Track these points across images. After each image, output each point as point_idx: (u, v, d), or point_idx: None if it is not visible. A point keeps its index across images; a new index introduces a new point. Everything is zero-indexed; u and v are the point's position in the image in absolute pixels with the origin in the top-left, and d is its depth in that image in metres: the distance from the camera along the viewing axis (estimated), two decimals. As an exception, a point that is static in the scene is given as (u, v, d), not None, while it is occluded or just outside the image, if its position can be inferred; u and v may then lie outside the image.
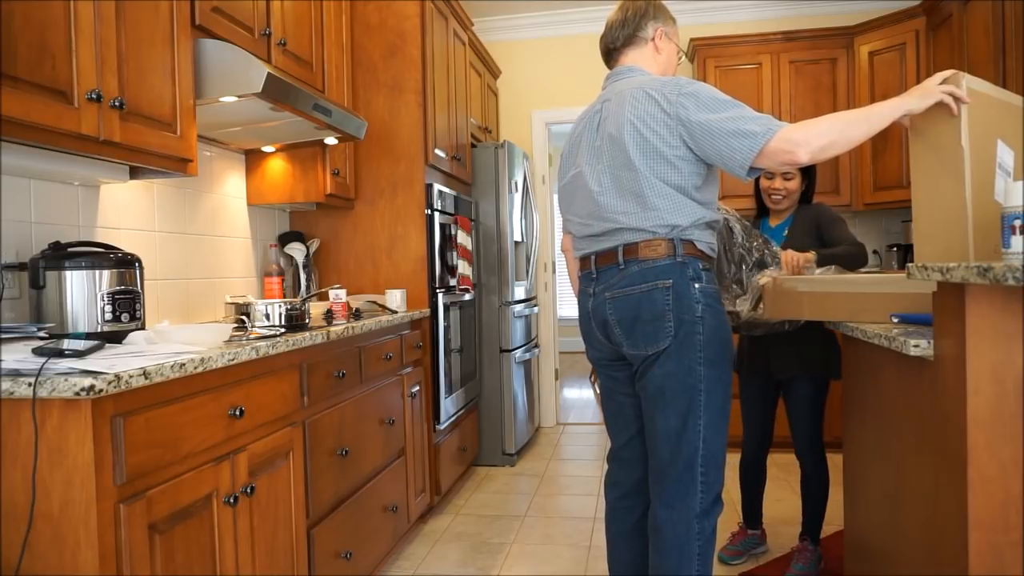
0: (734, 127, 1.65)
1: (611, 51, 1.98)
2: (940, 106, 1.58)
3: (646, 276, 1.76)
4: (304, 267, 3.11)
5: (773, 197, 2.57)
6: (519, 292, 4.34)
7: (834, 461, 3.78)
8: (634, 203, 1.77)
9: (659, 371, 1.76)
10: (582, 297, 1.94)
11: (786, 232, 2.57)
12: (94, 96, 1.62)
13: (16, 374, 1.25)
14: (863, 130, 1.64)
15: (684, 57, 2.01)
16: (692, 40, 4.55)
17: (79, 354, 1.39)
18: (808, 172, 2.59)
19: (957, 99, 1.55)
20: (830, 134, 1.62)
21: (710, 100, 1.70)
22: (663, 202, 1.75)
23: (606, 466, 2.08)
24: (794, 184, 2.55)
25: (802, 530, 2.60)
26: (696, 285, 1.75)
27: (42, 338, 1.56)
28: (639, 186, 1.76)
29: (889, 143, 4.20)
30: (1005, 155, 1.62)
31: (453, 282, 3.54)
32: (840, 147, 1.64)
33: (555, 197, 5.89)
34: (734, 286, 2.27)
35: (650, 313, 1.76)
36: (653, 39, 1.93)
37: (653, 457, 1.82)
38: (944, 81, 1.59)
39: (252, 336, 1.98)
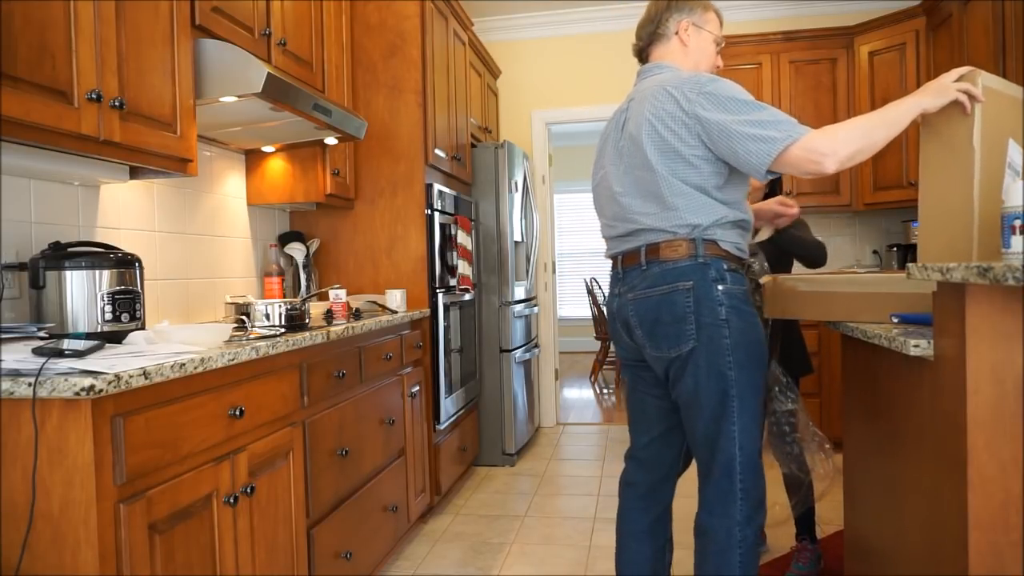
0: (751, 131, 1.61)
1: (640, 51, 1.96)
2: (954, 103, 1.55)
3: (666, 277, 1.74)
4: (304, 267, 3.11)
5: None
6: (519, 292, 4.34)
7: (834, 461, 3.78)
8: (655, 204, 1.75)
9: (690, 379, 1.74)
10: (609, 298, 1.93)
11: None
12: (94, 96, 1.62)
13: (16, 374, 1.25)
14: (884, 134, 1.60)
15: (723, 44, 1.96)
16: (692, 40, 4.55)
17: (79, 354, 1.39)
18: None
19: (972, 97, 1.52)
20: (856, 141, 1.58)
21: (729, 100, 1.66)
22: (683, 201, 1.72)
23: (623, 464, 2.05)
24: (756, 182, 2.54)
25: (797, 530, 2.60)
26: (719, 287, 1.71)
27: (42, 338, 1.56)
28: (658, 187, 1.73)
29: (889, 143, 4.19)
30: (1015, 154, 1.60)
31: (453, 282, 3.54)
32: (865, 155, 1.61)
33: (555, 197, 5.89)
34: None
35: (670, 315, 1.73)
36: (677, 33, 1.89)
37: (697, 462, 1.82)
38: (960, 78, 1.56)
39: (252, 336, 1.98)
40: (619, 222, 1.84)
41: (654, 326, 1.77)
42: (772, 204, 2.27)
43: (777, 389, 2.30)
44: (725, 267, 1.74)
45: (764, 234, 2.30)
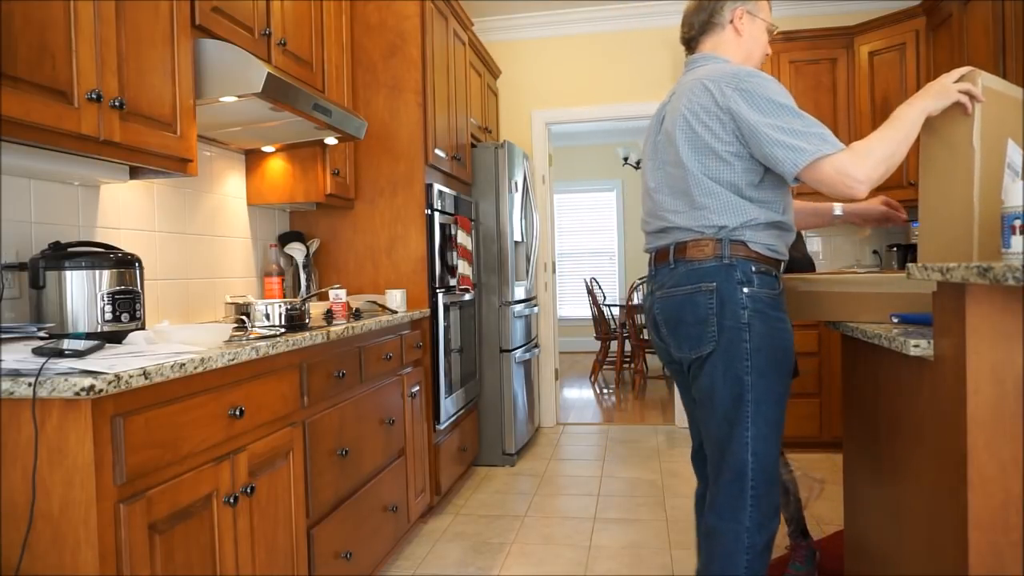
0: (780, 137, 1.59)
1: (689, 41, 1.90)
2: (955, 104, 1.55)
3: (690, 277, 1.72)
4: (304, 267, 3.11)
5: None
6: (519, 292, 4.34)
7: (834, 461, 3.77)
8: (683, 202, 1.74)
9: (706, 379, 1.72)
10: (644, 297, 1.93)
11: None
12: (94, 96, 1.62)
13: (16, 374, 1.25)
14: (905, 149, 1.60)
15: (776, 31, 1.88)
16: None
17: (79, 354, 1.39)
18: None
19: (972, 98, 1.53)
20: (885, 163, 1.57)
21: (765, 100, 1.62)
22: (711, 201, 1.69)
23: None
24: None
25: (789, 531, 2.60)
26: (744, 289, 1.67)
27: (42, 338, 1.56)
28: (687, 184, 1.72)
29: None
30: (1014, 154, 1.61)
31: (453, 282, 3.54)
32: (889, 174, 1.61)
33: (555, 197, 5.90)
34: None
35: (693, 316, 1.71)
36: (732, 22, 1.82)
37: (708, 462, 1.80)
38: (960, 79, 1.56)
39: (252, 336, 1.98)
40: (652, 218, 1.84)
41: (677, 326, 1.76)
42: (878, 204, 2.12)
43: None
44: (753, 269, 1.70)
45: (865, 233, 2.25)
